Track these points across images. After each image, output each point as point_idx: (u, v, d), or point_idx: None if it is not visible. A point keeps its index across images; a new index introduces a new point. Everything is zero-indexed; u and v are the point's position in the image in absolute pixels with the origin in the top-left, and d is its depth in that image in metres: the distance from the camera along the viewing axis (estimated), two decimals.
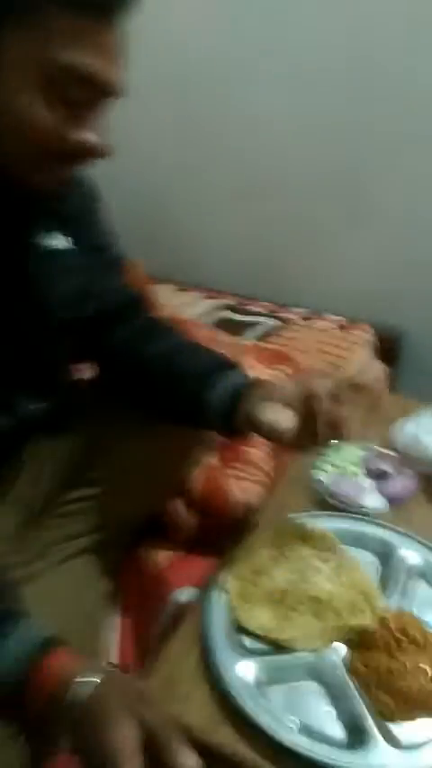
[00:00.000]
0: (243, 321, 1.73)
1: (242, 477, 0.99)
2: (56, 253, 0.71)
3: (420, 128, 1.55)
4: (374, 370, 1.63)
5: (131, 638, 0.84)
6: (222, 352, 1.20)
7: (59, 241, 0.72)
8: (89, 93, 0.57)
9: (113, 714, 0.48)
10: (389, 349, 1.76)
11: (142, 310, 0.89)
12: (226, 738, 0.57)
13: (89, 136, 0.59)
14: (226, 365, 0.80)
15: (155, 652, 0.83)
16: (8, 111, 0.55)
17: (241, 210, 1.89)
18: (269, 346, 1.51)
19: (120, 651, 0.82)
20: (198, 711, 0.59)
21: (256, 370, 1.25)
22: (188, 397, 0.77)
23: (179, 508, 0.95)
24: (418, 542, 0.75)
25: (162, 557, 0.94)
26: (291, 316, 1.78)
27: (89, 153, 0.60)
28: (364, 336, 1.67)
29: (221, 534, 0.89)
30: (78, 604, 0.79)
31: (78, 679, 0.51)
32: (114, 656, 0.82)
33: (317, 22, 1.56)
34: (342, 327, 1.72)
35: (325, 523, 0.77)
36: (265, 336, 1.62)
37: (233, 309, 1.81)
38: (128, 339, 0.84)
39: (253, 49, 1.65)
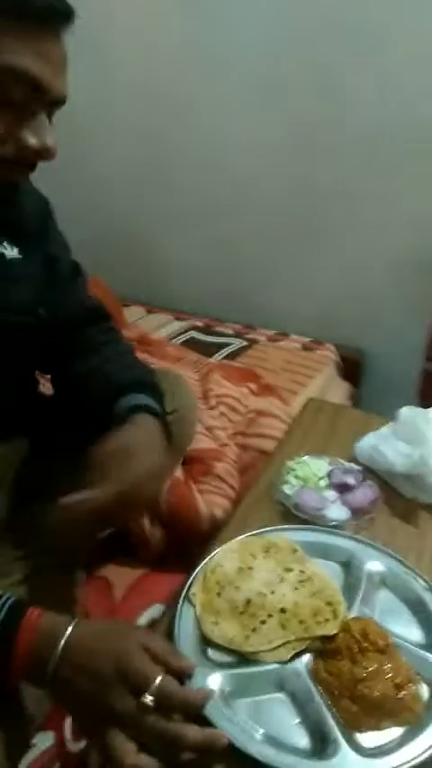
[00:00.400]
0: (211, 342, 1.76)
1: (208, 491, 1.00)
2: (6, 262, 0.73)
3: (382, 156, 1.62)
4: (338, 389, 1.67)
5: None
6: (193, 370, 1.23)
7: (9, 251, 0.73)
8: (32, 97, 0.60)
9: (94, 652, 0.54)
10: (352, 368, 1.81)
11: (102, 321, 0.90)
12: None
13: (33, 138, 0.61)
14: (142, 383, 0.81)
15: None
16: None
17: (210, 235, 1.93)
18: (236, 364, 1.53)
19: None
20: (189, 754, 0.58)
21: (224, 387, 1.27)
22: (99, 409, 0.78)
23: (146, 523, 0.95)
24: (380, 551, 0.77)
25: (130, 574, 0.94)
26: (257, 336, 1.82)
27: (34, 155, 0.62)
28: (328, 356, 1.71)
29: (188, 549, 0.90)
30: None
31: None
32: None
33: (282, 48, 1.62)
34: (306, 348, 1.76)
35: (290, 536, 0.78)
36: (232, 356, 1.65)
37: (201, 330, 1.84)
38: (71, 353, 0.86)
39: (218, 73, 1.71)
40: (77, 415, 0.83)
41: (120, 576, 0.93)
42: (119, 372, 0.82)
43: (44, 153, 0.62)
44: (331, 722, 0.58)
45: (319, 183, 1.72)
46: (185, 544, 0.89)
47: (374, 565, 0.75)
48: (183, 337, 1.79)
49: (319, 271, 1.83)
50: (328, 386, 1.60)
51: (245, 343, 1.76)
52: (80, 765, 0.74)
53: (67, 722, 0.75)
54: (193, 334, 1.82)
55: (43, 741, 0.72)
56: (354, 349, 1.83)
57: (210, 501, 0.98)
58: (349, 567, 0.76)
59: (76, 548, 0.77)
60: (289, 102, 1.65)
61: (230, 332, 1.85)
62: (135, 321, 1.84)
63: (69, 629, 0.55)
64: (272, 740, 0.58)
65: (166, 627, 0.68)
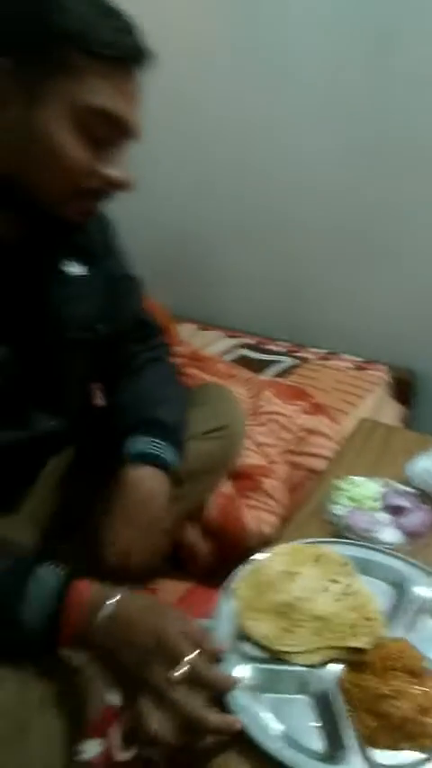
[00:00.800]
0: (262, 359, 1.76)
1: (257, 507, 1.00)
2: (72, 279, 0.77)
3: (422, 189, 1.60)
4: (390, 410, 1.64)
5: None
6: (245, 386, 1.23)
7: (76, 268, 0.77)
8: (114, 133, 0.64)
9: (135, 625, 0.57)
10: (404, 389, 1.78)
11: (152, 334, 0.94)
12: (231, 760, 0.57)
13: (115, 171, 0.65)
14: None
15: None
16: (45, 149, 0.61)
17: (261, 252, 1.94)
18: (287, 382, 1.53)
19: None
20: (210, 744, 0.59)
21: (275, 404, 1.27)
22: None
23: (194, 537, 0.96)
24: None
25: (177, 587, 0.94)
26: (308, 355, 1.81)
27: (115, 187, 0.67)
28: (379, 376, 1.69)
29: (236, 564, 0.90)
30: None
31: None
32: None
33: (345, 60, 1.63)
34: (358, 367, 1.74)
35: (342, 550, 0.78)
36: (283, 374, 1.65)
37: (252, 348, 1.85)
38: (117, 367, 0.91)
39: (279, 87, 1.72)
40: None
41: (168, 588, 0.94)
42: (142, 407, 0.86)
43: (124, 185, 0.67)
44: (349, 732, 0.58)
45: (378, 200, 1.71)
46: (233, 559, 0.89)
47: (424, 590, 0.74)
48: (233, 354, 1.80)
49: (374, 289, 1.81)
50: (380, 407, 1.58)
51: (295, 362, 1.75)
52: None
53: (116, 731, 0.76)
54: (244, 351, 1.83)
55: (93, 748, 0.73)
56: (406, 370, 1.80)
57: (257, 517, 0.99)
58: (398, 588, 0.75)
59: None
60: (350, 117, 1.65)
61: (281, 350, 1.85)
62: (187, 337, 1.87)
63: (114, 600, 0.58)
64: (287, 738, 0.58)
65: None
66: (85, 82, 0.60)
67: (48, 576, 0.60)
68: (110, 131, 0.64)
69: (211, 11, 1.75)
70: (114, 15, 0.63)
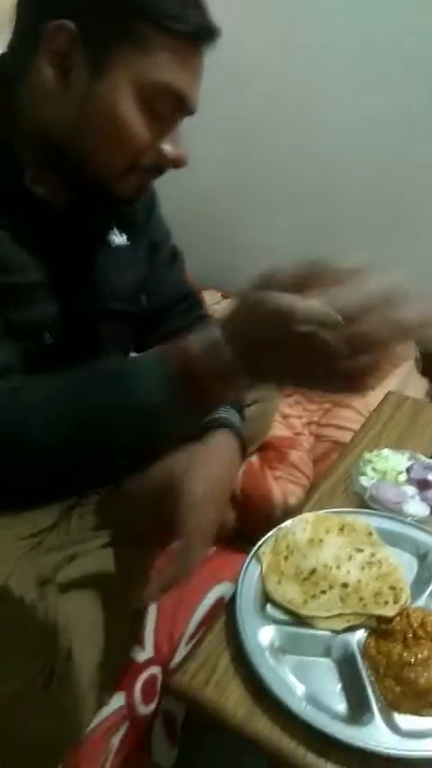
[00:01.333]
0: None
1: (283, 478, 1.01)
2: (114, 249, 0.76)
3: None
4: (417, 384, 1.62)
5: (167, 630, 0.86)
6: None
7: (118, 238, 0.77)
8: (175, 109, 0.64)
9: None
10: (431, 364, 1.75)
11: (195, 307, 0.93)
12: (261, 727, 0.58)
13: (172, 148, 0.65)
14: None
15: (193, 643, 0.85)
16: (106, 120, 0.61)
17: (284, 221, 1.91)
18: None
19: (155, 642, 0.84)
20: (233, 702, 0.60)
21: None
22: None
23: None
24: None
25: None
26: None
27: (173, 163, 0.66)
28: (407, 350, 1.67)
29: (260, 533, 0.91)
30: (122, 587, 0.81)
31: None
32: (150, 646, 0.83)
33: (379, 25, 1.57)
34: None
35: (369, 520, 0.78)
36: None
37: None
38: (167, 336, 0.88)
39: (312, 53, 1.68)
40: None
41: None
42: None
43: (179, 161, 0.66)
44: (371, 695, 0.59)
45: (414, 166, 1.66)
46: (258, 528, 0.90)
47: None
48: None
49: (405, 261, 1.77)
50: (406, 381, 1.56)
51: None
52: (148, 727, 0.77)
53: (138, 686, 0.78)
54: None
55: (116, 701, 0.75)
56: None
57: (284, 488, 0.99)
58: (425, 560, 0.75)
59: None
60: (382, 85, 1.61)
61: None
62: (210, 306, 1.86)
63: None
64: (311, 699, 0.60)
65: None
66: (153, 55, 0.59)
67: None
68: (172, 107, 0.63)
69: None
70: None
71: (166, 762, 0.79)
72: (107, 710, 0.74)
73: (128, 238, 0.77)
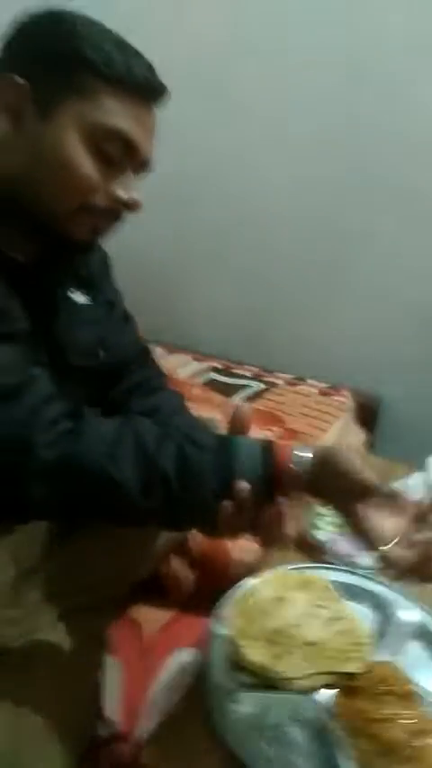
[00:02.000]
0: (230, 383, 1.79)
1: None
2: (77, 307, 0.79)
3: (409, 206, 1.68)
4: (354, 435, 1.69)
5: (129, 701, 0.83)
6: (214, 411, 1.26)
7: (81, 297, 0.80)
8: (126, 156, 0.68)
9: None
10: (367, 414, 1.84)
11: (150, 363, 0.97)
12: None
13: (123, 191, 0.69)
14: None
15: (158, 713, 0.83)
16: (55, 161, 0.65)
17: (235, 277, 1.98)
18: (260, 407, 1.56)
19: (122, 708, 0.81)
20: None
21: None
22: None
23: (178, 566, 0.97)
24: (414, 602, 0.79)
25: (160, 615, 0.94)
26: (276, 380, 1.85)
27: (124, 207, 0.70)
28: (344, 402, 1.74)
29: (219, 593, 0.91)
30: (81, 659, 0.79)
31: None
32: (117, 713, 0.81)
33: (311, 95, 1.70)
34: (323, 393, 1.79)
35: (326, 575, 0.81)
36: (252, 398, 1.68)
37: (220, 372, 1.87)
38: (128, 391, 0.91)
39: (246, 116, 1.79)
40: None
41: (150, 618, 0.93)
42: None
43: (131, 206, 0.70)
44: (345, 756, 0.60)
45: (345, 228, 1.77)
46: (216, 588, 0.90)
47: (407, 614, 0.77)
48: (202, 378, 1.82)
49: (340, 316, 1.87)
50: (346, 431, 1.63)
51: (263, 386, 1.79)
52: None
53: (104, 760, 0.75)
54: (213, 375, 1.85)
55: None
56: (369, 395, 1.87)
57: (242, 546, 1.00)
58: (382, 613, 0.78)
59: None
60: (317, 147, 1.73)
61: (249, 374, 1.88)
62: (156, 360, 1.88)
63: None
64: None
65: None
66: (98, 102, 0.65)
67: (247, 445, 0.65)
68: (120, 152, 0.67)
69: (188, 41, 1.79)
70: (130, 50, 0.68)
71: None
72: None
73: (86, 298, 0.81)
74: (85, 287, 0.81)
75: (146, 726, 0.82)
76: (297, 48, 1.66)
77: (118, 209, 0.71)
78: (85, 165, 0.66)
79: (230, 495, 0.61)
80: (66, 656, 0.78)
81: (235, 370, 1.90)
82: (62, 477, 0.60)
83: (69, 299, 0.78)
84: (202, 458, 0.62)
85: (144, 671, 0.86)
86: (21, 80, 0.64)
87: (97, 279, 0.86)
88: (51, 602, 0.82)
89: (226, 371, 1.89)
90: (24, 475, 0.59)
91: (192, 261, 2.03)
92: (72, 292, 0.78)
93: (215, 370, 1.89)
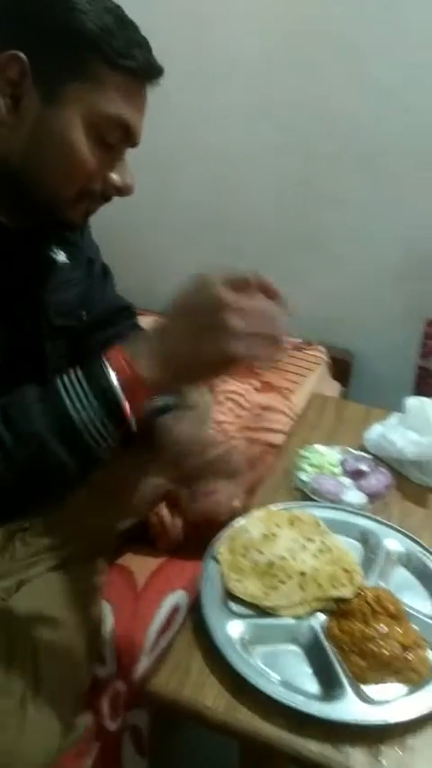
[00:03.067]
0: None
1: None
2: (56, 266, 0.77)
3: (376, 166, 1.68)
4: (330, 387, 1.72)
5: (126, 643, 0.85)
6: None
7: (58, 256, 0.78)
8: (122, 140, 0.66)
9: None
10: (341, 369, 1.87)
11: (130, 317, 0.96)
12: (242, 718, 0.60)
13: (121, 177, 0.68)
14: None
15: (155, 652, 0.85)
16: (57, 146, 0.62)
17: (199, 240, 1.97)
18: None
19: (116, 657, 0.83)
20: (212, 699, 0.62)
21: (229, 383, 1.31)
22: None
23: (166, 515, 0.98)
24: (397, 531, 0.82)
25: (150, 562, 0.96)
26: None
27: (119, 192, 0.69)
28: (319, 356, 1.77)
29: (207, 538, 0.93)
30: (75, 608, 0.80)
31: None
32: (111, 661, 0.83)
33: (279, 62, 1.68)
34: (298, 348, 1.81)
35: (312, 511, 0.83)
36: None
37: None
38: (102, 343, 0.90)
39: (216, 87, 1.75)
40: None
41: (140, 565, 0.95)
42: None
43: (125, 190, 0.69)
44: (340, 673, 0.63)
45: (314, 191, 1.77)
46: (205, 533, 0.92)
47: (392, 543, 0.80)
48: None
49: (312, 275, 1.88)
50: (321, 384, 1.65)
51: None
52: (117, 744, 0.77)
53: (104, 702, 0.78)
54: None
55: (82, 722, 0.74)
56: (343, 350, 1.89)
57: (227, 491, 1.02)
58: (367, 543, 0.81)
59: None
60: (287, 115, 1.71)
61: None
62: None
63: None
64: (285, 684, 0.63)
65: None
66: (103, 89, 0.62)
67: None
68: (119, 138, 0.66)
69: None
70: (130, 27, 0.64)
71: None
72: (77, 731, 0.73)
73: (67, 256, 0.79)
74: (65, 246, 0.79)
75: (144, 665, 0.84)
76: (271, 17, 1.63)
77: (112, 193, 0.70)
78: (86, 152, 0.64)
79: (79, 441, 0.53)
80: (60, 604, 0.79)
81: None
82: None
83: (51, 258, 0.76)
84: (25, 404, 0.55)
85: (139, 614, 0.89)
86: (22, 55, 0.60)
87: (77, 236, 0.84)
88: (43, 555, 0.83)
89: None
90: None
91: (165, 229, 2.01)
92: (54, 252, 0.77)
93: None
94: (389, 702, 0.61)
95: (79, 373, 0.55)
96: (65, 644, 0.74)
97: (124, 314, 0.96)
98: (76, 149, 0.63)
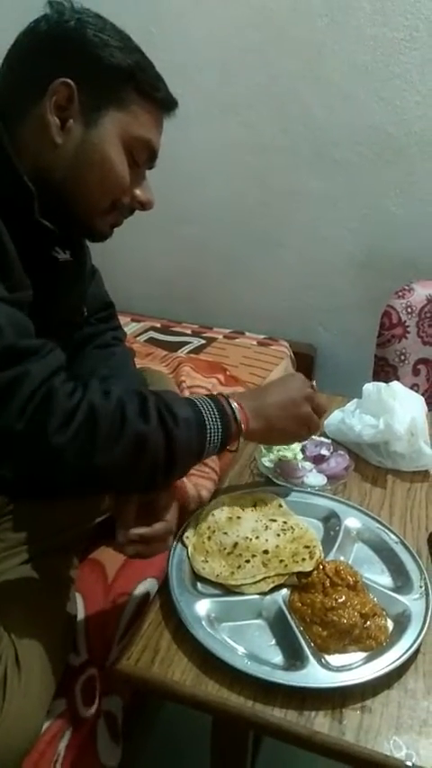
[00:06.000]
0: (171, 341, 1.82)
1: (193, 474, 1.06)
2: (62, 264, 0.80)
3: (332, 162, 1.74)
4: None
5: (99, 631, 0.87)
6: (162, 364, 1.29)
7: (62, 254, 0.81)
8: (147, 160, 0.77)
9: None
10: (304, 362, 1.91)
11: (111, 318, 1.02)
12: (210, 690, 0.63)
13: (144, 192, 0.78)
14: None
15: (128, 635, 0.86)
16: (101, 163, 0.72)
17: (162, 240, 1.99)
18: (203, 357, 1.60)
19: (88, 645, 0.85)
20: (180, 673, 0.64)
21: (195, 378, 1.33)
22: None
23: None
24: (356, 509, 0.85)
25: (121, 555, 0.97)
26: (214, 335, 1.89)
27: (143, 206, 0.79)
28: (283, 351, 1.81)
29: (177, 528, 0.95)
30: (47, 600, 0.81)
31: None
32: (83, 649, 0.84)
33: (235, 60, 1.71)
34: (262, 343, 1.85)
35: (275, 493, 0.87)
36: (193, 353, 1.71)
37: (159, 331, 1.90)
38: (86, 338, 0.95)
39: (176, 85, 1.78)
40: None
41: (111, 558, 0.97)
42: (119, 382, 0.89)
43: (147, 204, 0.79)
44: (303, 643, 0.66)
45: (273, 187, 1.82)
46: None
47: (351, 521, 0.83)
48: (143, 337, 1.84)
49: (273, 271, 1.92)
50: None
51: (203, 341, 1.83)
52: (91, 730, 0.78)
53: (77, 689, 0.79)
54: (152, 333, 1.87)
55: (57, 707, 0.75)
56: (306, 344, 1.94)
57: (196, 483, 1.04)
58: (328, 522, 0.84)
59: None
60: (244, 112, 1.76)
61: (188, 331, 1.91)
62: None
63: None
64: (251, 656, 0.66)
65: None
66: (135, 115, 0.73)
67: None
68: (145, 158, 0.76)
69: None
70: (151, 65, 0.75)
71: (112, 761, 0.80)
72: (50, 717, 0.74)
73: (71, 254, 0.82)
74: (65, 243, 0.81)
75: (117, 652, 0.86)
76: (230, 17, 1.67)
77: (136, 207, 0.79)
78: (122, 168, 0.73)
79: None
80: (35, 595, 0.80)
81: (174, 329, 1.93)
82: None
83: (56, 257, 0.79)
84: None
85: (110, 603, 0.90)
86: (71, 82, 0.68)
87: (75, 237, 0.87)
88: (18, 547, 0.84)
89: (165, 330, 1.91)
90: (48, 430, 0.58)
91: (127, 226, 2.01)
92: (56, 252, 0.79)
93: (154, 329, 1.91)
94: (349, 668, 0.65)
95: (212, 405, 0.72)
96: (41, 632, 0.75)
97: (108, 312, 1.01)
98: (115, 165, 0.72)
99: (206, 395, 0.74)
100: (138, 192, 0.78)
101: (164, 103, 0.76)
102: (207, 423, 0.69)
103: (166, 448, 0.64)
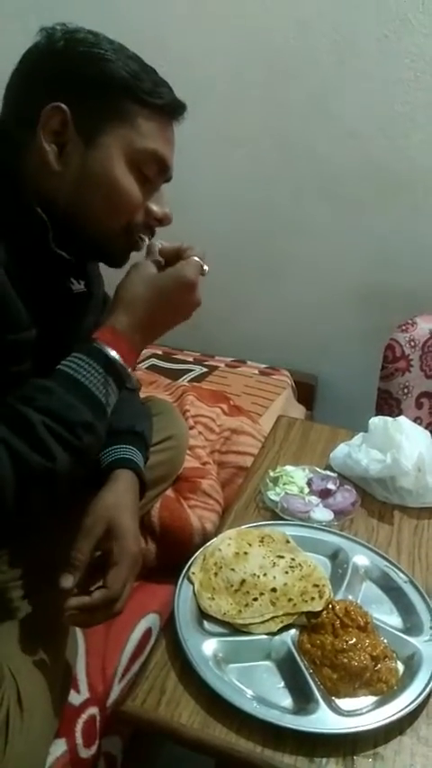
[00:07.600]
0: (173, 368, 1.81)
1: (197, 506, 1.05)
2: (77, 297, 0.80)
3: (337, 195, 1.76)
4: (295, 410, 1.76)
5: (99, 668, 0.85)
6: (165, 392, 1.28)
7: (76, 286, 0.80)
8: (159, 173, 0.73)
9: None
10: (306, 392, 1.91)
11: None
12: (217, 734, 0.61)
13: (160, 207, 0.74)
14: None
15: (129, 676, 0.85)
16: (106, 184, 0.68)
17: None
18: (206, 387, 1.60)
19: (89, 683, 0.83)
20: (187, 716, 0.63)
21: (199, 407, 1.33)
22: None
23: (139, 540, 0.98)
24: (364, 546, 0.84)
25: None
26: (216, 363, 1.89)
27: (160, 221, 0.75)
28: (284, 380, 1.81)
29: (180, 562, 0.94)
30: (48, 637, 0.79)
31: None
32: (84, 687, 0.82)
33: (242, 92, 1.75)
34: (264, 373, 1.85)
35: (282, 529, 0.85)
36: (195, 381, 1.71)
37: (161, 358, 1.89)
38: None
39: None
40: None
41: None
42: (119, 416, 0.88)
43: (165, 219, 0.75)
44: (313, 686, 0.65)
45: (277, 219, 1.84)
46: (179, 557, 0.93)
47: (359, 559, 0.83)
48: (145, 364, 1.84)
49: (275, 301, 1.93)
50: (287, 407, 1.69)
51: (205, 370, 1.82)
52: None
53: (78, 729, 0.77)
54: (154, 361, 1.87)
55: (57, 748, 0.73)
56: (307, 374, 1.94)
57: (200, 515, 1.03)
58: (336, 559, 0.83)
59: None
60: (249, 145, 1.78)
61: (190, 359, 1.91)
62: None
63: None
64: (260, 699, 0.64)
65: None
66: (137, 126, 0.69)
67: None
68: (155, 171, 0.72)
69: None
70: (152, 71, 0.71)
71: None
72: (50, 760, 0.71)
73: (84, 285, 0.80)
74: (80, 275, 0.80)
75: (117, 690, 0.84)
76: (241, 54, 1.70)
77: (154, 224, 0.75)
78: (130, 185, 0.69)
79: None
80: (36, 632, 0.78)
81: (176, 356, 1.93)
82: None
83: (70, 289, 0.78)
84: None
85: (111, 640, 0.88)
86: (63, 106, 0.65)
87: (89, 267, 0.86)
88: (19, 581, 0.83)
89: (167, 357, 1.91)
90: None
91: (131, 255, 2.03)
92: (71, 283, 0.79)
93: (156, 356, 1.90)
94: (360, 713, 0.63)
95: (83, 356, 0.66)
96: (43, 671, 0.73)
97: None
98: (121, 183, 0.69)
99: (84, 346, 0.68)
100: (153, 207, 0.73)
101: (168, 109, 0.71)
102: (96, 393, 0.65)
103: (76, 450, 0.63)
